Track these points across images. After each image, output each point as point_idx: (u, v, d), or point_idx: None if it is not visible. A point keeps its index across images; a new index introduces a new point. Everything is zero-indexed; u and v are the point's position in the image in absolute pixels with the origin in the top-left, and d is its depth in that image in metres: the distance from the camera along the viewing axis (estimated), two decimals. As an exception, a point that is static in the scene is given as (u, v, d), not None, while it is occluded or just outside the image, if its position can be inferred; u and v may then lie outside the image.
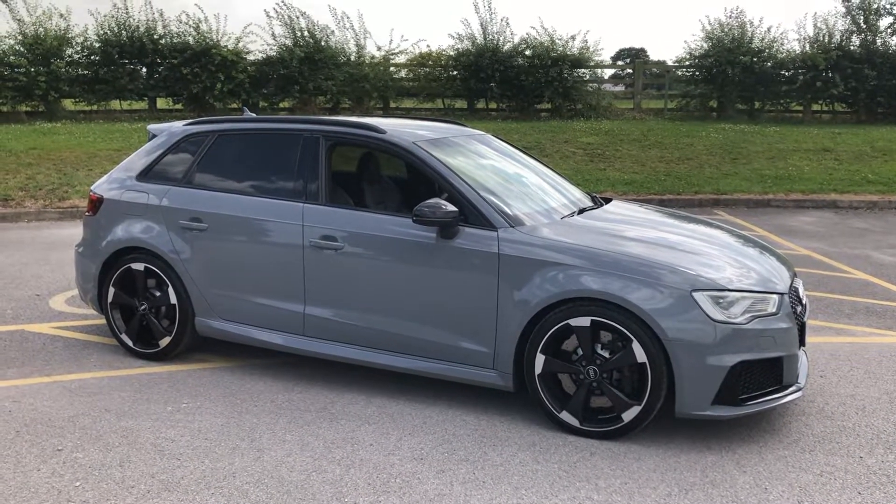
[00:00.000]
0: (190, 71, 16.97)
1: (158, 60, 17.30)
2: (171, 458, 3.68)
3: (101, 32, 17.07)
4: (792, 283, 4.26)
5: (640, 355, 3.77)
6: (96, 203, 5.21)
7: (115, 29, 17.07)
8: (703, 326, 3.71)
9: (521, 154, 5.46)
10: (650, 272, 3.82)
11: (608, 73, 25.15)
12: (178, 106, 18.12)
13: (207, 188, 4.87)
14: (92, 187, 5.37)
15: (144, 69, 17.58)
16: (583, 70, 19.10)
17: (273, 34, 18.10)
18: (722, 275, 3.91)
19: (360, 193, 4.85)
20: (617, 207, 5.07)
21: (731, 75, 18.59)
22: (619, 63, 40.78)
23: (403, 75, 18.91)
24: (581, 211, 4.70)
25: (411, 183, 5.15)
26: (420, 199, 4.25)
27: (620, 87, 24.35)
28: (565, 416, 3.98)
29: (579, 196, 5.12)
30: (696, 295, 3.75)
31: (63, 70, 16.64)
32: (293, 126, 4.79)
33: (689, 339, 3.71)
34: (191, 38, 17.34)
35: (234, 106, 18.26)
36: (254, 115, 5.46)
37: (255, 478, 3.50)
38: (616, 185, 12.90)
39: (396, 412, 4.26)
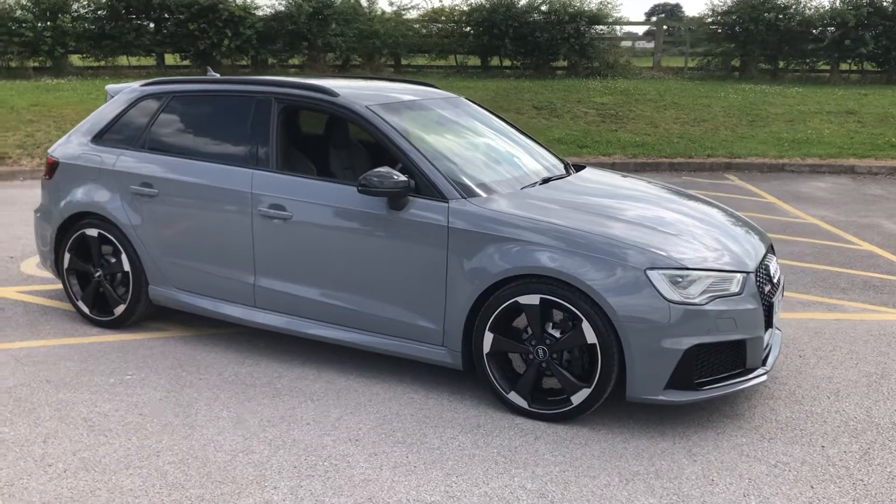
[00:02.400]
0: (197, 27, 16.72)
1: (166, 16, 17.05)
2: (99, 435, 3.56)
3: (108, -14, 16.86)
4: (763, 261, 4.00)
5: (590, 336, 3.56)
6: (52, 166, 5.06)
7: (122, -17, 16.85)
8: (657, 306, 3.49)
9: (495, 119, 5.20)
10: (602, 248, 3.59)
11: (635, 29, 24.38)
12: (186, 62, 17.92)
13: (159, 152, 4.70)
14: (49, 150, 5.22)
15: (152, 25, 17.35)
16: (601, 27, 18.55)
17: (282, -12, 17.76)
18: (680, 251, 3.66)
19: (313, 160, 4.62)
20: (588, 175, 4.81)
21: (755, 33, 17.93)
22: (653, 20, 39.61)
23: (415, 31, 18.43)
24: (546, 180, 4.46)
25: (368, 149, 4.91)
26: (377, 166, 4.03)
27: (652, 44, 23.47)
28: (513, 396, 3.79)
29: (550, 164, 4.86)
30: (651, 273, 3.52)
31: (69, 25, 16.48)
32: (246, 88, 4.58)
33: (640, 320, 3.49)
34: (198, -7, 17.06)
35: (243, 62, 18.01)
36: (217, 75, 5.25)
37: (179, 457, 3.38)
38: (626, 148, 12.55)
39: (344, 388, 4.10)
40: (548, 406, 3.75)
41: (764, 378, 3.82)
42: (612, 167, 11.57)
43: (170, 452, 3.42)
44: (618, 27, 19.81)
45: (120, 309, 4.82)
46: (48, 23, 16.19)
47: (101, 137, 4.94)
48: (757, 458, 3.46)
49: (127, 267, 4.75)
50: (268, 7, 17.84)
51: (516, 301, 3.69)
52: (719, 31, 18.73)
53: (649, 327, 3.49)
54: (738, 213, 4.69)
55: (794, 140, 12.97)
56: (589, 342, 3.58)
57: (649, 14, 55.00)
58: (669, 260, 3.57)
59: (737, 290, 3.66)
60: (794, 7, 18.38)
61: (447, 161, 4.13)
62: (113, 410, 3.81)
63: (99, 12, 16.92)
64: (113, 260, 4.83)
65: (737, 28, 18.11)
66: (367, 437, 3.59)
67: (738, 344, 3.69)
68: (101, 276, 4.86)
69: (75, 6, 16.82)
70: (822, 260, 6.80)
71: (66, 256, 4.94)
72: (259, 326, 4.45)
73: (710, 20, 19.18)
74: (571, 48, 17.98)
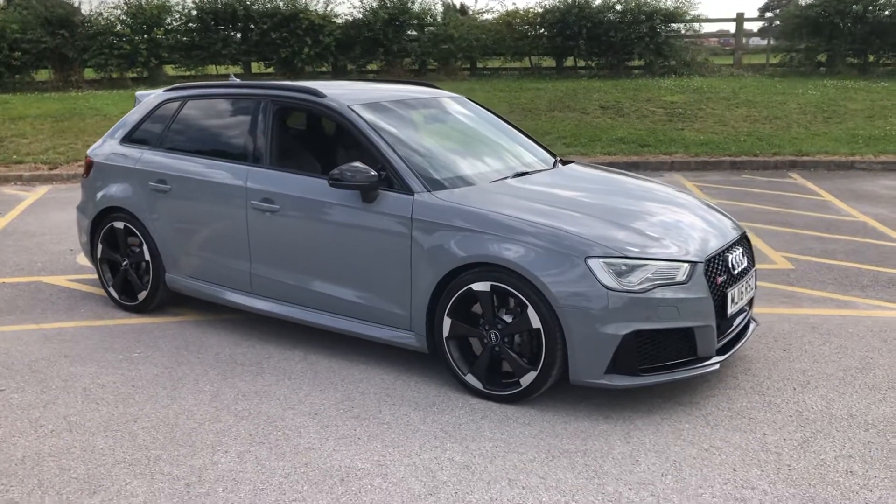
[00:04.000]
0: (279, 35, 17.52)
1: (251, 26, 17.94)
2: (92, 402, 4.00)
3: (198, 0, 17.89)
4: (724, 252, 4.05)
5: (535, 321, 3.73)
6: (89, 166, 5.60)
7: (211, -5, 17.85)
8: (595, 294, 3.62)
9: (492, 117, 5.41)
10: (545, 237, 3.75)
11: (717, 27, 23.68)
12: (270, 70, 18.79)
13: (174, 151, 5.15)
14: (88, 151, 5.77)
15: (239, 35, 18.28)
16: (676, 24, 18.25)
17: (359, -4, 18.38)
18: (624, 240, 3.78)
19: (303, 157, 4.96)
20: (569, 169, 4.96)
21: (841, 26, 17.22)
22: (733, 15, 38.43)
23: (489, 35, 18.61)
24: (520, 174, 4.63)
25: (352, 146, 5.19)
26: (361, 161, 4.30)
27: (766, 41, 22.69)
28: (470, 378, 4.00)
29: (534, 159, 5.01)
30: (590, 262, 3.66)
31: (162, 38, 17.60)
32: (246, 91, 4.97)
33: (579, 306, 3.63)
34: (280, 3, 17.87)
35: (323, 69, 18.71)
36: (238, 80, 5.67)
37: (153, 423, 3.76)
38: (689, 147, 12.37)
39: (323, 369, 4.40)
40: (501, 388, 3.94)
41: (716, 367, 3.88)
42: (672, 166, 11.49)
43: (146, 419, 3.81)
44: (696, 25, 19.40)
45: (142, 295, 5.30)
46: (144, 36, 17.36)
47: (129, 139, 5.45)
48: (692, 442, 3.54)
49: (147, 256, 5.22)
50: (346, 15, 18.33)
51: (470, 288, 3.90)
52: (803, 24, 18.03)
53: (588, 313, 3.62)
54: (708, 201, 4.73)
55: (871, 137, 12.45)
56: (534, 327, 3.75)
57: (762, 10, 53.43)
58: (609, 249, 3.70)
59: (682, 279, 3.74)
60: (885, -3, 17.55)
61: (418, 156, 4.37)
62: (111, 382, 4.25)
63: (190, 25, 17.99)
64: (137, 250, 5.32)
65: (820, 21, 17.42)
66: (327, 412, 3.87)
67: (685, 332, 3.77)
68: (127, 264, 5.35)
69: (168, 20, 17.95)
70: (854, 258, 6.62)
71: (99, 247, 5.47)
72: (254, 311, 4.82)
73: (792, 14, 18.51)
74: (646, 47, 17.77)
